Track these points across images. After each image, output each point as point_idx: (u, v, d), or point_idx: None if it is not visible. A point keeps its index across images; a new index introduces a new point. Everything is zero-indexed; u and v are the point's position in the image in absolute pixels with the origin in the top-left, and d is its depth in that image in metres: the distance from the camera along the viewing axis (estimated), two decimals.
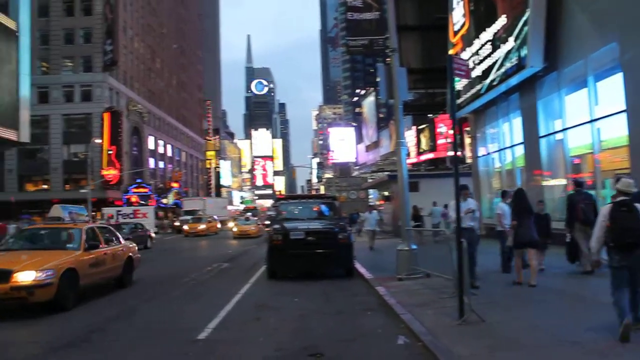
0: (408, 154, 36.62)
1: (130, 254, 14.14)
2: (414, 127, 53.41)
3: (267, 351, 7.20)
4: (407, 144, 39.07)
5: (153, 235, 32.99)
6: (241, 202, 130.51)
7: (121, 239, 14.21)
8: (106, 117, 60.14)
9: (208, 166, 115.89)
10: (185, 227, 45.98)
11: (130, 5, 69.66)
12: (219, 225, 50.00)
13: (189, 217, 50.30)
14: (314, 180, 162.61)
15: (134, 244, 15.36)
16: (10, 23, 41.11)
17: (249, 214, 59.57)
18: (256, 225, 40.53)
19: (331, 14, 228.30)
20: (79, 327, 8.97)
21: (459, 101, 24.16)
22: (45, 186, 62.04)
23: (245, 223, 41.33)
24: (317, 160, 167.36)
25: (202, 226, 45.59)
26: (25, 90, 42.67)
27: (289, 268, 14.56)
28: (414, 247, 13.09)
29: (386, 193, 37.05)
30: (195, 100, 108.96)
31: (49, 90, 61.22)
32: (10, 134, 40.87)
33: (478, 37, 22.04)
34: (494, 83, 20.37)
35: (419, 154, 53.28)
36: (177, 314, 10.10)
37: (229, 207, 73.40)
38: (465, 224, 10.09)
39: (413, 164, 50.38)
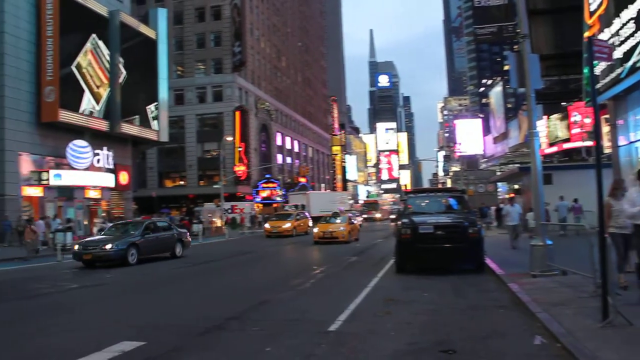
0: (540, 145, 34.69)
1: None
2: (545, 117, 50.82)
3: (398, 345, 7.16)
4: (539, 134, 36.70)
5: (189, 239, 24.01)
6: (367, 197, 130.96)
7: None
8: (237, 115, 62.66)
9: (334, 161, 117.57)
10: (267, 225, 37.23)
11: (256, 7, 72.34)
12: (310, 224, 39.22)
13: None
14: (440, 173, 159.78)
15: None
16: (150, 33, 44.22)
17: (341, 208, 53.18)
18: (348, 225, 29.03)
19: (455, 3, 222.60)
20: (215, 315, 9.44)
21: (596, 87, 22.58)
22: (182, 182, 65.79)
23: (333, 221, 29.81)
24: (443, 153, 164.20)
25: (287, 225, 36.01)
26: (163, 93, 45.73)
27: (417, 262, 14.41)
28: (549, 242, 12.45)
29: (516, 186, 35.59)
30: (320, 96, 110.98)
31: (184, 92, 65.00)
32: (151, 134, 44.01)
33: (618, 16, 20.44)
34: (638, 65, 18.83)
35: (551, 144, 50.59)
36: (307, 306, 10.28)
37: (350, 201, 67.52)
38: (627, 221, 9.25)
39: (545, 156, 47.95)
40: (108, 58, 38.96)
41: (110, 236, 20.52)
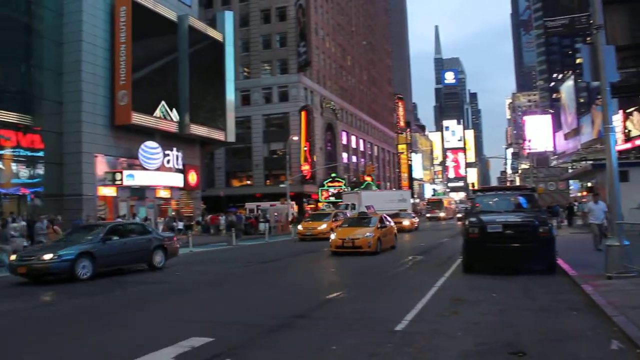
0: (615, 141, 33.16)
1: None
2: (620, 111, 48.63)
3: (466, 346, 7.04)
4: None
5: (176, 245, 19.20)
6: (433, 195, 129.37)
7: None
8: (302, 115, 62.99)
9: (400, 159, 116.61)
10: (300, 227, 33.26)
11: (321, 7, 72.50)
12: None
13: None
14: (509, 171, 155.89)
15: None
16: (218, 36, 45.14)
17: (372, 207, 50.14)
18: (377, 229, 21.85)
19: None
20: (282, 314, 9.52)
21: None
22: (248, 182, 66.59)
23: (356, 224, 22.93)
24: (511, 150, 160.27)
25: (323, 226, 31.65)
26: (230, 94, 46.49)
27: (485, 262, 14.11)
28: (626, 242, 11.89)
29: (589, 184, 34.26)
30: (385, 94, 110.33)
31: (250, 93, 65.64)
32: (218, 135, 44.87)
33: None
34: None
35: (627, 140, 48.38)
36: (373, 305, 10.24)
37: (410, 200, 61.36)
38: None
39: (620, 152, 45.88)
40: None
41: (60, 243, 16.29)
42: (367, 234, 21.16)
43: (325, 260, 20.17)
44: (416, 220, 43.01)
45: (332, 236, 22.13)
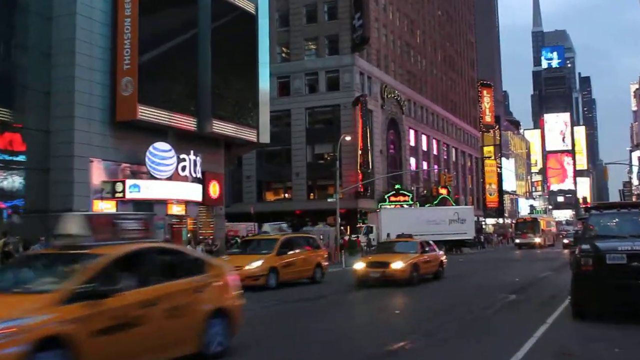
0: None
1: None
2: None
3: None
4: None
5: None
6: (529, 214, 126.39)
7: None
8: (357, 108, 62.94)
9: (485, 166, 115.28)
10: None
11: None
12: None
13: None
14: (635, 182, 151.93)
15: None
16: (249, 6, 44.84)
17: (366, 226, 50.06)
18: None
19: None
20: None
21: None
22: (286, 195, 67.06)
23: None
24: (638, 154, 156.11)
25: (257, 263, 23.82)
26: (264, 82, 45.76)
27: (603, 304, 13.79)
28: None
29: None
30: (466, 81, 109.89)
31: (290, 80, 66.11)
32: (249, 135, 44.39)
33: None
34: None
35: None
36: (455, 357, 10.41)
37: (496, 220, 56.13)
38: None
39: None
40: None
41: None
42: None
43: (378, 295, 20.00)
44: (435, 258, 27.83)
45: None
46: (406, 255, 24.22)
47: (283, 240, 25.86)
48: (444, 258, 27.39)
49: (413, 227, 42.79)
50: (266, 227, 37.58)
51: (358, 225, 54.38)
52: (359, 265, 24.11)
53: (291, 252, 25.59)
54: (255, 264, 23.22)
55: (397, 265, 23.29)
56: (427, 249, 26.09)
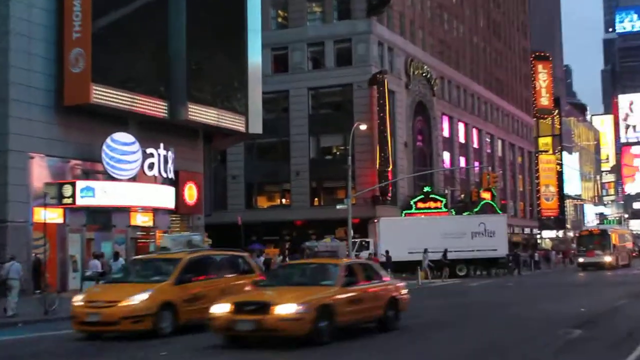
0: None
1: None
2: None
3: None
4: None
5: None
6: (598, 224, 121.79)
7: None
8: (375, 88, 61.07)
9: (540, 163, 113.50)
10: (79, 301, 20.98)
11: None
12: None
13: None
14: None
15: None
16: None
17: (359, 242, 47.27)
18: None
19: None
20: None
21: None
22: (284, 200, 65.72)
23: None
24: None
25: (138, 297, 19.15)
26: (255, 55, 45.47)
27: None
28: None
29: None
30: (516, 53, 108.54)
31: (289, 53, 64.58)
32: (235, 123, 43.48)
33: None
34: None
35: None
36: None
37: (553, 233, 53.59)
38: None
39: None
40: None
41: None
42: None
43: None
44: (380, 294, 20.35)
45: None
46: (312, 289, 16.72)
47: (188, 261, 19.78)
48: (402, 292, 18.66)
49: (423, 241, 42.40)
50: (166, 240, 30.99)
51: (352, 240, 50.34)
52: (220, 308, 16.21)
53: (202, 279, 19.96)
54: (139, 298, 17.97)
55: (286, 308, 15.38)
56: (364, 275, 18.50)
